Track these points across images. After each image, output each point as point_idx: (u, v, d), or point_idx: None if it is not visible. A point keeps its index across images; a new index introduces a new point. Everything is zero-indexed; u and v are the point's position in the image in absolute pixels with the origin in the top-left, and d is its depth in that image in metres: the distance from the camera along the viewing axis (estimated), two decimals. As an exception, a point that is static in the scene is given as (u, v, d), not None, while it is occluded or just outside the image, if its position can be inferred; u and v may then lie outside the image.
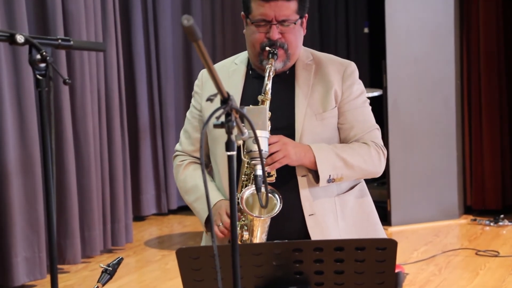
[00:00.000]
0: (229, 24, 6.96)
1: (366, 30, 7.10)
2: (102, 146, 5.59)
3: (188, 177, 2.77)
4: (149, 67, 6.53)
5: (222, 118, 1.79)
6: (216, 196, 2.67)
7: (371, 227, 2.70)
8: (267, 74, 2.56)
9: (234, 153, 1.81)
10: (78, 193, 5.35)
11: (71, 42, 1.78)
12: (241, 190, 2.54)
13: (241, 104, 2.65)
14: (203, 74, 2.83)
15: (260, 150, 1.91)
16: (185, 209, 6.96)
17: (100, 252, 5.60)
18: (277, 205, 2.49)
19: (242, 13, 2.69)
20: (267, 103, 2.53)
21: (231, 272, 1.84)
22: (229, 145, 1.81)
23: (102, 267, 2.49)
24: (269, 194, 2.51)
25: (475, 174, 6.38)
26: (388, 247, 1.99)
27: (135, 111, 6.40)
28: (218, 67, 2.82)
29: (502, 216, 6.05)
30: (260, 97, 2.55)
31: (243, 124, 1.92)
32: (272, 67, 2.56)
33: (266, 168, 2.46)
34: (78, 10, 5.27)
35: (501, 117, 6.32)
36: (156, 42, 6.58)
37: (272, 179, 2.51)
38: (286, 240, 2.40)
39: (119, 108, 5.77)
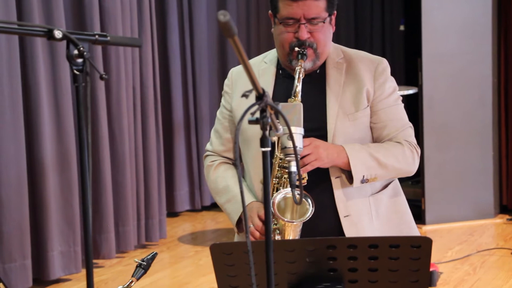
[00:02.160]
0: (264, 21, 6.96)
1: (402, 27, 7.05)
2: (137, 142, 5.63)
3: (219, 178, 2.76)
4: (184, 64, 6.55)
5: (257, 115, 1.78)
6: (247, 198, 2.65)
7: (405, 226, 2.68)
8: (297, 76, 2.52)
9: (269, 149, 1.81)
10: (113, 189, 5.39)
11: (108, 38, 1.80)
12: (273, 194, 2.52)
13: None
14: (233, 73, 2.80)
15: (294, 147, 1.90)
16: (218, 206, 6.97)
17: (134, 248, 5.64)
18: (309, 209, 2.46)
19: (270, 12, 2.66)
20: None
21: (264, 268, 1.85)
22: (263, 142, 1.81)
23: (136, 262, 2.50)
24: (302, 198, 2.49)
25: (511, 174, 6.32)
26: (422, 245, 1.98)
27: (169, 108, 6.43)
28: None
29: (537, 215, 5.99)
30: (290, 100, 2.52)
31: (277, 121, 1.92)
32: (301, 69, 2.53)
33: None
34: (115, 7, 5.30)
35: (538, 116, 6.25)
36: (191, 39, 6.60)
37: (304, 181, 2.48)
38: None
39: (154, 105, 5.80)
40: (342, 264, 2.02)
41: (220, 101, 7.15)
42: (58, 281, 4.98)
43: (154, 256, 2.49)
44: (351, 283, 2.07)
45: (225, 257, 2.02)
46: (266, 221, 1.79)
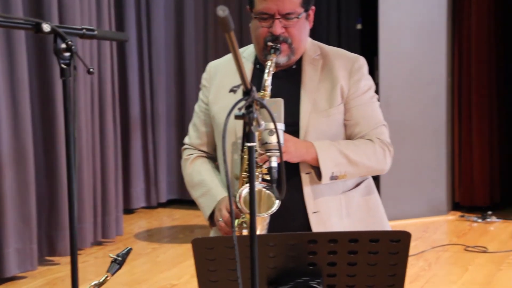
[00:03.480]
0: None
1: (359, 26, 7.12)
2: (95, 139, 5.59)
3: (194, 171, 2.76)
4: (141, 62, 6.54)
5: (243, 110, 1.80)
6: (221, 192, 2.66)
7: (377, 224, 2.70)
8: (267, 70, 2.51)
9: (255, 144, 1.82)
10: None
11: (95, 32, 1.79)
12: (241, 187, 2.51)
13: None
14: (211, 67, 2.80)
15: (279, 142, 1.92)
16: (174, 203, 6.98)
17: (91, 245, 5.60)
18: (275, 202, 2.46)
19: (248, 6, 2.65)
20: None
21: (246, 263, 1.86)
22: (249, 137, 1.82)
23: (111, 257, 2.49)
24: (267, 191, 2.48)
25: (463, 171, 6.44)
26: (401, 239, 2.02)
27: (126, 104, 6.40)
28: (224, 61, 2.80)
29: (490, 212, 6.11)
30: (259, 94, 2.49)
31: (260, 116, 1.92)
32: (272, 63, 2.51)
33: (265, 165, 2.43)
34: (73, 1, 5.26)
35: (491, 115, 6.38)
36: (149, 36, 6.58)
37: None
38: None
39: (112, 101, 5.77)
40: (321, 259, 2.04)
41: (177, 99, 7.13)
42: (13, 278, 4.92)
43: (129, 252, 2.48)
44: (330, 277, 2.09)
45: (207, 251, 2.03)
46: (251, 216, 1.81)
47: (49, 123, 5.19)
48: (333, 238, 2.02)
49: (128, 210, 6.56)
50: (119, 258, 2.44)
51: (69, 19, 5.24)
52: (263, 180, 2.46)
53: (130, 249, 2.51)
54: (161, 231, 6.26)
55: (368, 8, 6.89)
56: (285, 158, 2.42)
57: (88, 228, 5.49)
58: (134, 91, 6.47)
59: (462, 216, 6.20)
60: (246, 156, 2.52)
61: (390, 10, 6.02)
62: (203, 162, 2.78)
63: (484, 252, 5.27)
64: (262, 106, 1.83)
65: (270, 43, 2.55)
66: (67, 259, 5.32)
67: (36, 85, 5.14)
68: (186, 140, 2.86)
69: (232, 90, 1.79)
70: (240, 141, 2.58)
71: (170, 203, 6.95)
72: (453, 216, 6.28)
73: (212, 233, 2.80)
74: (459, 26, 6.35)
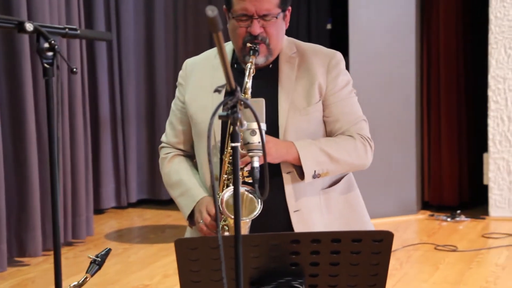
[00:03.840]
0: (191, 18, 6.94)
1: (329, 26, 7.14)
2: (64, 139, 5.54)
3: (172, 171, 2.75)
4: (110, 62, 6.51)
5: (227, 110, 1.80)
6: (200, 193, 2.65)
7: (358, 220, 2.71)
8: (247, 72, 2.51)
9: (239, 144, 1.82)
10: (40, 186, 5.29)
11: (78, 31, 1.78)
12: (222, 190, 2.52)
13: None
14: (187, 65, 2.79)
15: (263, 142, 1.92)
16: (144, 203, 6.96)
17: (61, 245, 5.54)
18: (257, 207, 2.46)
19: (224, 7, 2.64)
20: None
21: (229, 263, 1.86)
22: (233, 137, 1.82)
23: (90, 258, 2.47)
24: (250, 195, 2.49)
25: (433, 171, 6.50)
26: (384, 239, 2.03)
27: (96, 104, 6.37)
28: (201, 59, 2.79)
29: (458, 211, 6.18)
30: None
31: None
32: (252, 65, 2.52)
33: (246, 167, 2.43)
34: (42, 2, 5.22)
35: (459, 116, 6.45)
36: (118, 36, 6.55)
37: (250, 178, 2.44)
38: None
39: (81, 101, 5.73)
40: (304, 259, 2.05)
41: (147, 98, 7.10)
42: (-18, 279, 4.88)
43: (108, 252, 2.47)
44: (312, 277, 2.10)
45: (189, 252, 2.02)
46: (235, 215, 1.81)
47: (18, 123, 5.14)
48: (316, 238, 2.02)
49: (98, 210, 6.52)
50: (98, 259, 2.43)
51: (38, 18, 5.19)
52: (244, 182, 2.47)
53: (109, 249, 2.50)
54: (132, 231, 6.23)
55: (338, 8, 6.91)
56: (267, 160, 2.41)
57: (58, 229, 5.43)
58: (104, 91, 6.43)
59: (432, 215, 6.26)
60: (226, 159, 2.52)
61: (360, 10, 6.05)
62: (181, 160, 2.77)
63: (454, 251, 5.32)
64: (246, 106, 1.83)
65: (249, 44, 2.55)
66: (37, 260, 5.29)
67: (5, 85, 5.09)
68: (163, 138, 2.85)
69: (217, 90, 1.78)
70: (219, 144, 2.58)
71: (140, 203, 6.92)
72: (423, 215, 6.33)
73: (188, 233, 2.79)
74: (428, 27, 6.40)
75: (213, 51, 2.79)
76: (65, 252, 5.49)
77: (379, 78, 6.09)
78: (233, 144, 1.83)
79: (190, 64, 2.79)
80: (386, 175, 6.19)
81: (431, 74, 6.44)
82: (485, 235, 5.70)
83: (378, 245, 2.04)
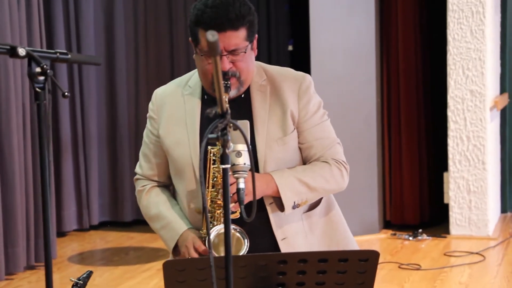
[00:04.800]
0: (152, 42, 6.94)
1: (290, 47, 7.21)
2: (27, 161, 5.49)
3: (150, 204, 2.75)
4: (71, 82, 6.48)
5: (217, 132, 1.82)
6: (181, 225, 2.65)
7: (340, 237, 2.74)
8: None
9: (229, 166, 1.84)
10: (2, 208, 5.24)
11: (69, 56, 1.79)
12: (206, 227, 2.52)
13: (201, 129, 2.62)
14: (157, 96, 2.75)
15: (252, 163, 1.95)
16: (106, 225, 6.91)
17: (24, 269, 5.49)
18: (243, 247, 2.49)
19: (190, 39, 2.62)
20: None
21: (218, 284, 1.87)
22: (224, 159, 1.84)
23: (72, 281, 2.46)
24: (237, 234, 2.51)
25: (394, 191, 6.57)
26: (370, 258, 2.06)
27: (57, 126, 6.32)
28: (170, 90, 2.74)
29: (420, 230, 6.25)
30: None
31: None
32: (227, 104, 2.42)
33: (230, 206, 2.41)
34: (3, 22, 5.19)
35: (419, 135, 6.54)
36: (79, 53, 6.51)
37: (237, 214, 2.44)
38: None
39: (38, 126, 5.66)
40: (290, 279, 2.07)
41: (108, 119, 7.06)
42: None
43: (89, 275, 2.46)
44: (297, 297, 2.12)
45: (177, 273, 2.03)
46: (226, 232, 1.82)
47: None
48: (303, 258, 2.05)
49: (60, 233, 6.45)
50: (80, 282, 2.42)
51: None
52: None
53: (91, 272, 2.50)
54: (95, 254, 6.18)
55: (299, 30, 6.99)
56: (248, 199, 2.41)
57: (21, 252, 5.38)
58: (65, 113, 6.40)
59: (394, 234, 6.32)
60: (208, 198, 2.51)
61: (321, 31, 6.12)
62: (158, 193, 2.77)
63: (418, 269, 5.39)
64: (236, 128, 1.86)
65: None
66: (0, 284, 5.21)
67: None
68: (138, 170, 2.82)
69: (208, 114, 1.80)
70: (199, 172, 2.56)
71: (102, 225, 6.87)
72: (385, 234, 6.39)
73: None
74: (387, 48, 6.50)
75: (182, 80, 2.76)
76: (27, 276, 5.43)
77: (340, 99, 6.15)
78: (223, 166, 1.85)
79: (159, 96, 2.75)
80: (348, 195, 6.15)
81: (391, 95, 6.53)
82: (447, 254, 5.78)
83: (364, 264, 2.07)
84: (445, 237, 6.23)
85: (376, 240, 6.25)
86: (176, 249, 2.66)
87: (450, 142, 6.23)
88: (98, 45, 6.72)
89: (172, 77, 2.85)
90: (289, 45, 7.22)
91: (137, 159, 2.87)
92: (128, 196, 6.80)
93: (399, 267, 5.45)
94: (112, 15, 6.78)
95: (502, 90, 6.91)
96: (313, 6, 6.12)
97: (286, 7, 7.33)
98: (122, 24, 6.81)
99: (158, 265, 5.62)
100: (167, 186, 2.81)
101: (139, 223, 6.88)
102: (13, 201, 5.28)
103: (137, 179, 2.83)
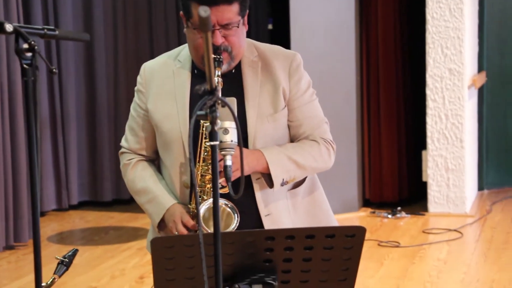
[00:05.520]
0: (131, 18, 6.90)
1: (270, 26, 7.20)
2: (5, 140, 5.46)
3: (137, 177, 2.73)
4: (49, 60, 6.42)
5: (206, 109, 1.82)
6: (169, 200, 2.64)
7: (323, 217, 2.76)
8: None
9: (217, 143, 1.84)
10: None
11: (56, 32, 1.78)
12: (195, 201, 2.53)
13: (190, 103, 2.62)
14: (145, 70, 2.73)
15: (239, 139, 1.96)
16: (86, 205, 6.89)
17: (3, 249, 5.47)
18: (234, 221, 2.51)
19: (181, 12, 2.60)
20: None
21: (205, 261, 1.88)
22: (212, 135, 1.84)
23: (58, 259, 2.46)
24: (228, 209, 2.53)
25: (373, 169, 6.61)
26: (356, 234, 2.07)
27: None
28: (160, 64, 2.73)
29: (399, 208, 6.30)
30: None
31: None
32: (219, 78, 2.49)
33: (220, 181, 2.40)
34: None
35: (398, 113, 6.57)
36: (57, 33, 6.46)
37: (226, 189, 2.43)
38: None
39: (22, 103, 5.63)
40: (277, 255, 2.08)
41: (87, 98, 7.00)
42: None
43: (75, 253, 2.47)
44: (284, 273, 2.13)
45: (166, 250, 2.03)
46: (214, 219, 1.83)
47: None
48: (291, 234, 2.06)
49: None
50: (66, 260, 2.42)
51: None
52: (220, 195, 2.47)
53: (76, 250, 2.50)
54: (74, 234, 6.17)
55: (278, 8, 6.98)
56: (238, 175, 2.40)
57: (0, 232, 5.36)
58: (43, 91, 6.35)
59: (373, 212, 6.37)
60: (198, 172, 2.52)
61: (301, 10, 6.11)
62: (145, 167, 2.76)
63: (397, 246, 5.43)
64: (224, 105, 1.86)
65: (212, 55, 2.47)
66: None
67: None
68: (124, 143, 2.81)
69: (197, 90, 1.80)
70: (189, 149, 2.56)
71: (81, 205, 6.85)
72: (364, 212, 6.43)
73: (151, 235, 2.78)
74: (367, 26, 6.51)
75: (172, 54, 2.75)
76: (6, 255, 5.42)
77: (320, 77, 6.14)
78: (212, 143, 1.85)
79: (148, 69, 2.73)
80: (328, 173, 6.14)
81: (370, 73, 6.55)
82: (426, 231, 5.84)
83: (351, 240, 2.08)
84: (423, 214, 6.28)
85: (356, 218, 6.29)
86: (161, 224, 2.66)
87: (428, 120, 6.27)
88: (76, 22, 6.67)
89: (152, 56, 2.84)
90: (269, 23, 7.22)
91: (116, 138, 2.87)
92: (108, 175, 6.79)
93: (378, 244, 5.49)
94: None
95: (480, 69, 6.96)
96: (292, -16, 6.12)
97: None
98: (100, 0, 6.75)
99: (138, 245, 5.62)
100: (153, 160, 2.80)
101: (119, 203, 6.88)
102: (-9, 180, 5.26)
103: (123, 152, 2.81)
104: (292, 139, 2.73)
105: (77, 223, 6.44)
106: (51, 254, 5.48)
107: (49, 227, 6.25)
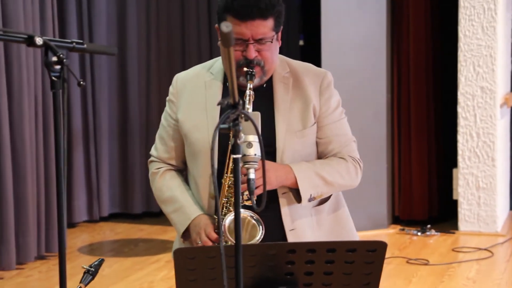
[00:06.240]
0: (163, 33, 6.97)
1: (301, 42, 7.23)
2: (38, 152, 5.54)
3: (164, 186, 2.77)
4: (83, 74, 6.51)
5: (229, 122, 1.85)
6: (195, 210, 2.67)
7: (347, 236, 2.78)
8: (247, 99, 2.53)
9: (240, 156, 1.87)
10: (14, 198, 5.28)
11: (85, 45, 1.82)
12: (222, 212, 2.57)
13: (220, 115, 2.63)
14: (178, 81, 2.79)
15: (262, 153, 1.98)
16: (116, 216, 6.95)
17: (34, 259, 5.54)
18: (259, 233, 2.53)
19: (216, 25, 2.66)
20: None
21: (227, 273, 1.90)
22: (235, 148, 1.87)
23: (84, 268, 2.51)
24: (253, 221, 2.56)
25: (403, 186, 6.59)
26: (378, 249, 2.09)
27: (68, 117, 6.36)
28: (192, 75, 2.78)
29: (429, 226, 6.27)
30: None
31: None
32: (251, 91, 2.54)
33: (246, 193, 2.44)
34: (17, 12, 5.23)
35: (429, 131, 6.56)
36: (91, 47, 6.55)
37: (251, 201, 2.44)
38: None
39: (54, 114, 5.71)
40: (299, 268, 2.10)
41: (119, 111, 7.09)
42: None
43: (101, 262, 2.50)
44: (306, 286, 2.15)
45: (188, 261, 2.06)
46: (236, 228, 1.85)
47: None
48: (312, 248, 2.08)
49: (70, 224, 6.50)
50: (92, 269, 2.46)
51: (12, 27, 5.21)
52: (244, 206, 2.50)
53: (102, 260, 2.54)
54: (104, 245, 6.22)
55: (310, 24, 7.01)
56: (266, 188, 2.40)
57: (32, 242, 5.43)
58: (76, 104, 6.44)
59: (402, 230, 6.34)
60: (226, 183, 2.55)
61: (332, 26, 6.13)
62: (173, 176, 2.80)
63: (426, 264, 5.41)
64: (247, 119, 1.89)
65: (245, 69, 2.57)
66: (11, 273, 5.27)
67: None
68: (153, 152, 2.85)
69: (220, 103, 1.83)
70: (216, 167, 2.58)
71: (112, 217, 6.91)
72: (393, 229, 6.41)
73: (177, 245, 2.81)
74: (398, 43, 6.51)
75: (205, 66, 2.80)
76: (38, 265, 5.48)
77: (351, 94, 6.15)
78: (235, 156, 1.88)
79: (181, 80, 2.79)
80: (357, 190, 6.09)
81: (401, 90, 6.55)
82: (455, 249, 5.80)
83: (372, 254, 2.10)
84: (453, 233, 6.24)
85: (385, 235, 6.27)
86: (186, 234, 2.69)
87: (460, 138, 6.24)
88: (110, 35, 6.76)
89: (184, 69, 2.88)
90: (300, 39, 7.25)
91: (147, 152, 2.92)
92: (138, 188, 6.85)
93: (407, 262, 5.47)
94: (125, 5, 6.79)
95: (513, 87, 6.93)
96: (324, 1, 6.14)
97: (297, 1, 7.36)
98: (134, 14, 6.82)
99: (166, 257, 5.66)
100: (181, 170, 2.84)
101: (149, 215, 6.93)
102: (24, 191, 5.33)
103: (152, 161, 2.86)
104: (320, 156, 2.76)
105: (107, 234, 6.50)
106: (81, 265, 5.53)
107: (79, 238, 6.32)
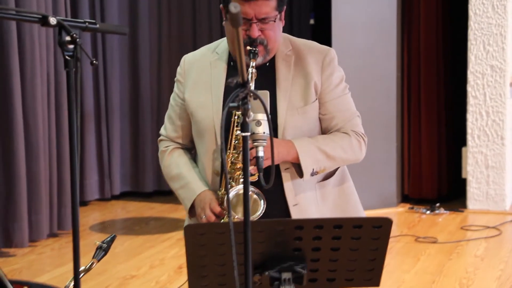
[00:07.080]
0: (175, 14, 6.99)
1: (311, 21, 7.24)
2: (51, 130, 5.59)
3: (172, 164, 2.83)
4: (95, 54, 6.54)
5: (238, 101, 1.88)
6: (200, 186, 2.73)
7: (352, 210, 2.81)
8: (249, 77, 2.57)
9: (249, 134, 1.91)
10: (27, 177, 5.34)
11: (97, 25, 1.86)
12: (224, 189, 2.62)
13: (224, 94, 2.71)
14: (185, 61, 2.84)
15: (271, 131, 2.02)
16: (127, 195, 7.01)
17: (47, 236, 5.61)
18: (260, 207, 2.57)
19: (221, 5, 2.70)
20: None
21: (236, 248, 1.94)
22: (244, 127, 1.91)
23: (97, 244, 2.55)
24: (254, 195, 2.59)
25: (412, 165, 6.62)
26: (383, 225, 2.12)
27: (81, 97, 6.39)
28: (199, 55, 2.84)
29: (438, 204, 6.30)
30: None
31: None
32: (254, 70, 2.58)
33: (250, 169, 2.48)
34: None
35: (439, 110, 6.58)
36: (102, 27, 6.58)
37: (255, 177, 2.51)
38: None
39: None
40: (306, 244, 2.14)
41: (131, 92, 7.13)
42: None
43: (113, 238, 2.55)
44: (313, 261, 2.18)
45: (198, 237, 2.10)
46: (245, 206, 1.89)
47: (5, 114, 5.19)
48: (319, 224, 2.11)
49: (82, 203, 6.58)
50: (104, 245, 2.51)
51: (25, 7, 5.25)
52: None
53: (115, 236, 2.58)
54: (116, 223, 6.29)
55: (320, 4, 7.01)
56: (268, 163, 2.47)
57: (44, 220, 5.50)
58: (88, 84, 6.48)
59: (412, 208, 6.38)
60: (229, 159, 2.60)
61: (343, 5, 6.14)
62: (180, 154, 2.86)
63: (434, 242, 5.45)
64: (256, 97, 1.92)
65: (248, 47, 2.61)
66: (23, 250, 5.34)
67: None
68: (162, 131, 2.92)
69: (229, 82, 1.87)
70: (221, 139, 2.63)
71: (123, 196, 6.98)
72: (403, 208, 6.46)
73: (187, 223, 2.86)
74: (409, 23, 6.52)
75: (210, 47, 2.85)
76: (50, 243, 5.55)
77: (361, 73, 6.19)
78: (243, 134, 1.91)
79: (188, 61, 2.84)
80: (367, 168, 6.27)
81: (411, 69, 6.56)
82: (464, 227, 5.84)
83: (378, 231, 2.14)
84: (462, 211, 6.28)
85: (394, 214, 6.32)
86: (192, 209, 2.75)
87: (469, 117, 6.26)
88: (121, 16, 6.79)
89: (194, 49, 2.93)
90: (311, 18, 7.26)
91: (158, 131, 2.98)
92: (150, 166, 6.91)
93: (416, 240, 5.51)
94: (136, -14, 6.84)
95: (523, 66, 6.92)
96: (334, -20, 6.15)
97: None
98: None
99: (177, 235, 5.72)
100: (189, 149, 2.90)
101: (160, 194, 6.99)
102: (37, 169, 5.39)
103: (161, 140, 2.93)
104: (324, 132, 2.79)
105: (119, 213, 6.57)
106: (93, 242, 5.60)
107: (91, 216, 6.38)
